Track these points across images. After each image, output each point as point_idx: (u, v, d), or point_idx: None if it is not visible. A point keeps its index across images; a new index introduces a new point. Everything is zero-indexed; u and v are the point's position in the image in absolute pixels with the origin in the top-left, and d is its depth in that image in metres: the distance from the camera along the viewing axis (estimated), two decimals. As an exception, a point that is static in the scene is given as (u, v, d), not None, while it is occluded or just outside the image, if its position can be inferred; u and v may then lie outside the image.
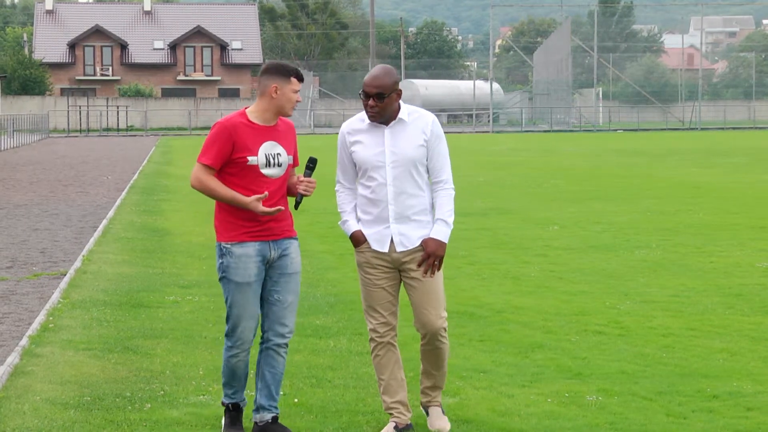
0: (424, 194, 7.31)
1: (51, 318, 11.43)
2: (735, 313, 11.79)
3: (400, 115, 7.25)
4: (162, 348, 10.08)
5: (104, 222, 20.92)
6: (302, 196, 7.24)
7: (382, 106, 7.15)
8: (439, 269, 7.28)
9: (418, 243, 7.27)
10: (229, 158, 7.05)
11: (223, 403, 7.40)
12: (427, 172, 7.34)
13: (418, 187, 7.27)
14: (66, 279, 13.98)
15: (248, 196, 7.03)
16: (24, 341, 10.18)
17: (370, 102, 7.15)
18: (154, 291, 13.19)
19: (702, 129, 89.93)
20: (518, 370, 9.25)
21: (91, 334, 10.71)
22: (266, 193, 7.00)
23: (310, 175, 7.28)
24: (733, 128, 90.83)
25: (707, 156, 45.16)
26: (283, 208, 7.10)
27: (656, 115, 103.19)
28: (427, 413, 7.53)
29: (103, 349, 10.02)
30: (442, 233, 7.26)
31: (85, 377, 8.98)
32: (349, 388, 8.64)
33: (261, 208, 6.98)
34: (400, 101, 7.28)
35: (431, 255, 7.22)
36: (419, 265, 7.25)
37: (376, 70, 7.23)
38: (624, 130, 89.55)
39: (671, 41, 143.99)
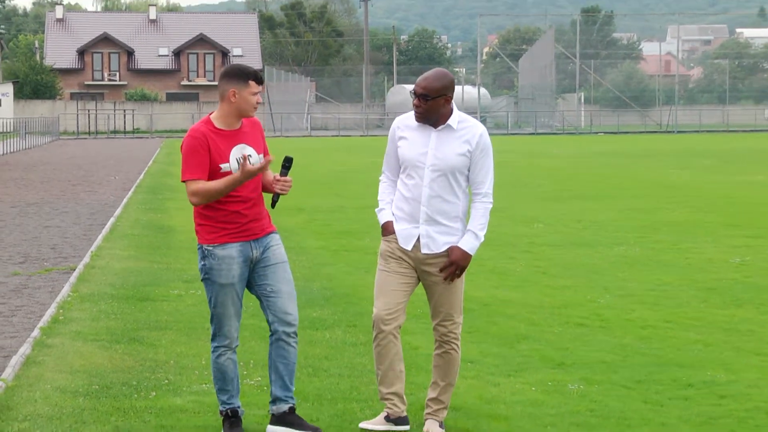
0: (459, 201, 7.03)
1: (61, 310, 11.43)
2: (709, 306, 11.82)
3: (450, 121, 6.95)
4: (166, 339, 10.08)
5: (112, 219, 20.91)
6: (279, 195, 7.03)
7: (426, 108, 6.88)
8: (459, 277, 7.04)
9: (443, 249, 7.00)
10: (210, 166, 6.80)
11: (221, 413, 7.12)
12: (467, 180, 7.05)
13: (454, 194, 6.99)
14: (75, 273, 13.98)
15: (228, 200, 6.82)
16: (36, 332, 10.18)
17: (416, 101, 6.90)
18: (159, 285, 13.18)
19: (678, 132, 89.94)
20: (504, 360, 9.26)
21: (99, 325, 10.71)
22: (269, 157, 6.83)
23: (286, 174, 7.01)
24: (708, 131, 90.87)
25: (683, 157, 45.20)
26: (272, 158, 6.85)
27: (635, 119, 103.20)
28: (425, 423, 7.19)
29: (111, 340, 10.02)
30: (469, 244, 6.99)
31: (94, 367, 8.98)
32: (344, 377, 8.64)
33: (250, 168, 6.71)
34: (454, 107, 7.02)
35: (454, 263, 6.96)
36: (441, 271, 6.99)
37: (430, 72, 6.97)
38: (605, 132, 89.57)
39: (649, 48, 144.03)
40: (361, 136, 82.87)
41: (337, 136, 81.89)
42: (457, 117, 6.98)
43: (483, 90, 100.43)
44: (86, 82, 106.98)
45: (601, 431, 7.20)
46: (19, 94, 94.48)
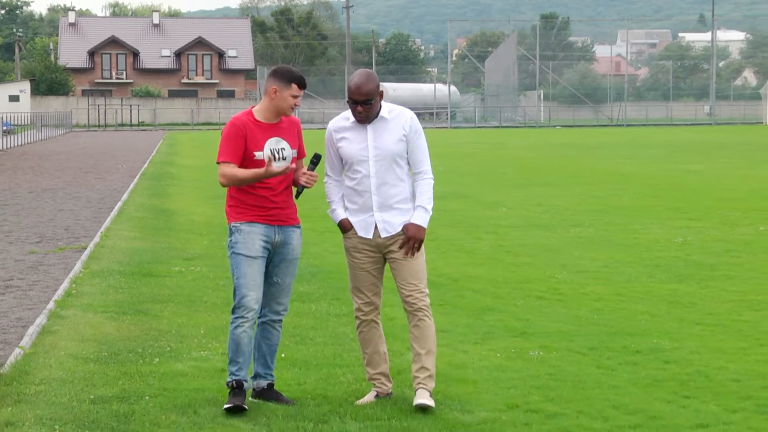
0: (405, 184, 6.85)
1: (74, 285, 11.38)
2: (655, 281, 11.84)
3: (382, 113, 6.79)
4: (168, 311, 10.05)
5: (119, 204, 20.85)
6: (303, 187, 6.92)
7: (369, 110, 6.72)
8: (418, 250, 6.84)
9: (400, 229, 6.83)
10: (244, 153, 6.74)
11: (227, 384, 6.82)
12: (408, 164, 6.87)
13: (399, 178, 6.82)
14: (87, 252, 13.93)
15: (258, 186, 6.75)
16: (51, 305, 10.15)
17: (359, 108, 6.71)
18: (161, 262, 13.14)
19: (627, 125, 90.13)
20: (472, 330, 9.27)
21: (107, 299, 10.67)
22: (291, 165, 6.75)
23: (313, 170, 6.89)
24: (654, 125, 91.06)
25: (631, 148, 45.30)
26: (294, 166, 6.81)
27: (589, 114, 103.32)
28: (416, 393, 6.87)
29: (118, 311, 9.98)
30: (421, 218, 6.81)
31: (103, 335, 8.95)
32: (328, 345, 8.63)
33: (273, 169, 6.64)
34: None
35: (411, 238, 6.78)
36: (400, 248, 6.81)
37: (359, 77, 6.73)
38: (561, 126, 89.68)
39: (601, 51, 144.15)
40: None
41: (322, 128, 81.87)
42: (386, 108, 6.83)
43: (453, 88, 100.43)
44: (96, 80, 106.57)
45: (559, 393, 7.20)
46: (36, 91, 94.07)
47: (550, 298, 10.81)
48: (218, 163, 6.80)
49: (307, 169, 6.89)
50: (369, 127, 6.82)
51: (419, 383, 6.86)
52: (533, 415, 6.72)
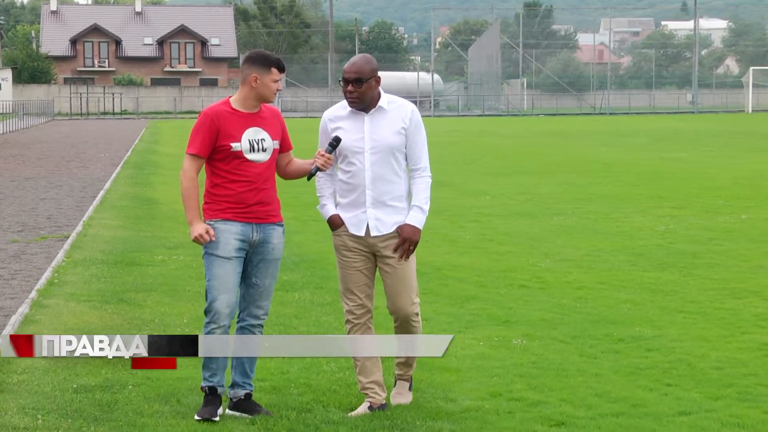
0: (401, 181, 6.53)
1: (56, 274, 11.35)
2: (637, 269, 11.88)
3: (380, 103, 6.49)
4: (151, 300, 10.03)
5: (102, 192, 20.79)
6: (318, 169, 6.57)
7: (361, 92, 6.41)
8: (413, 253, 6.54)
9: (392, 229, 6.50)
10: (215, 146, 6.40)
11: (201, 388, 6.55)
12: (406, 160, 6.56)
13: (396, 173, 6.50)
14: (69, 241, 13.88)
15: (235, 180, 6.43)
16: (33, 294, 10.12)
17: (349, 87, 6.41)
18: (144, 251, 13.12)
19: (610, 114, 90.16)
20: (455, 318, 9.28)
21: (90, 288, 10.64)
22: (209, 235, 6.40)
23: (330, 152, 6.56)
24: (637, 113, 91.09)
25: (614, 137, 45.34)
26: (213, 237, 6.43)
27: (572, 102, 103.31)
28: (395, 384, 6.80)
29: (101, 300, 9.96)
30: (417, 219, 6.51)
31: (86, 325, 8.93)
32: (312, 333, 8.62)
33: (194, 235, 6.38)
34: (381, 90, 6.53)
35: (406, 240, 6.47)
36: (395, 250, 6.49)
37: (355, 57, 6.47)
38: (545, 114, 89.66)
39: (584, 39, 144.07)
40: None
41: (305, 117, 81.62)
42: (386, 98, 6.54)
43: (436, 76, 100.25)
44: (78, 68, 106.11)
45: (542, 381, 7.22)
46: (18, 79, 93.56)
47: (533, 286, 10.83)
48: (187, 153, 6.49)
49: (325, 152, 6.58)
50: (366, 117, 6.52)
51: (400, 375, 6.81)
52: (516, 403, 6.74)
